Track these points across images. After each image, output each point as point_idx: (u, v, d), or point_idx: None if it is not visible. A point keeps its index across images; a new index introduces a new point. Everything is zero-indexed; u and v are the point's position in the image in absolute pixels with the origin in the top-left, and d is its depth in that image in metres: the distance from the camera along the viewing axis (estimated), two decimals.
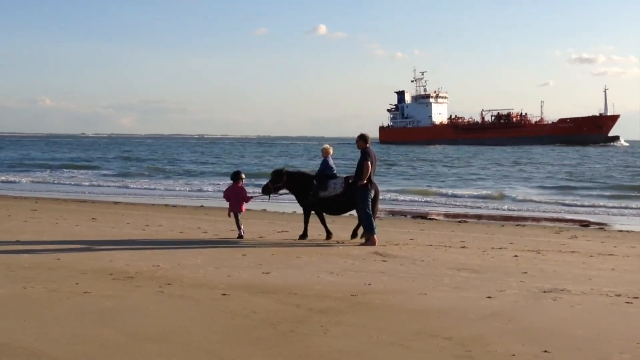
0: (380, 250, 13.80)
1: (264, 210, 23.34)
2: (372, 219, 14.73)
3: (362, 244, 14.61)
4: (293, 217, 21.34)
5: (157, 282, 10.06)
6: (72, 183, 38.22)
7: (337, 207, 15.50)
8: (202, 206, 24.76)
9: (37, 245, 13.55)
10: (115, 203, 25.41)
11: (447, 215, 24.86)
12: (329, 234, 15.44)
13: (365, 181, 14.61)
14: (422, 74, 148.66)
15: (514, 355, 6.90)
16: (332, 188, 15.30)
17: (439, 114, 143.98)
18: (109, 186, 36.80)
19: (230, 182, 16.23)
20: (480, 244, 15.15)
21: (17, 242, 13.83)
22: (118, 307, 8.53)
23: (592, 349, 7.14)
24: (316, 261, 12.37)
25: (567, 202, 29.46)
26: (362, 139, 15.11)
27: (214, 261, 12.09)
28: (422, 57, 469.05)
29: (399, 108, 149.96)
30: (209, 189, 34.72)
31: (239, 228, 15.40)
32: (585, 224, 21.62)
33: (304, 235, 15.42)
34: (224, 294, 9.36)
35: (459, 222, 21.69)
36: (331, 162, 15.68)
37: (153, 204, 25.05)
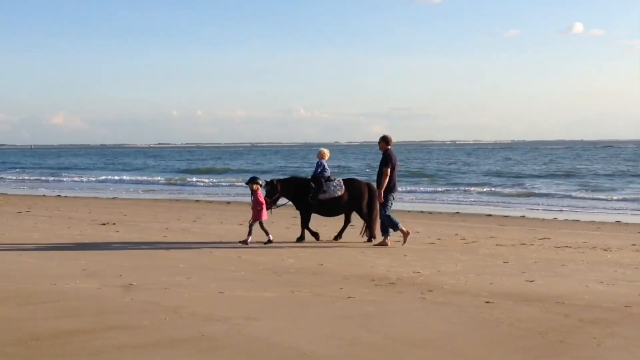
0: None
1: (523, 216, 22.76)
2: (394, 220, 14.70)
3: (375, 245, 14.78)
4: (555, 223, 20.58)
5: (418, 289, 10.02)
6: None
7: (335, 209, 15.56)
8: (458, 213, 24.53)
9: (300, 251, 14.04)
10: None
11: None
12: (315, 235, 15.60)
13: (383, 191, 14.57)
14: None
15: None
16: (332, 190, 15.28)
17: None
18: None
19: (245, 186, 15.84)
20: None
21: (281, 248, 14.41)
22: (381, 312, 8.58)
23: None
24: (583, 269, 11.77)
25: None
26: (384, 140, 14.91)
27: (474, 268, 11.87)
28: None
29: None
30: (463, 198, 34.40)
31: (250, 234, 14.86)
32: None
33: (301, 238, 15.53)
34: (488, 302, 9.12)
35: None
36: (326, 164, 15.60)
37: (409, 211, 25.17)
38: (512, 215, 23.32)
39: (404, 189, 38.72)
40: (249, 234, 14.84)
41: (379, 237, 15.05)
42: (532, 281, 10.64)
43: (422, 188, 39.16)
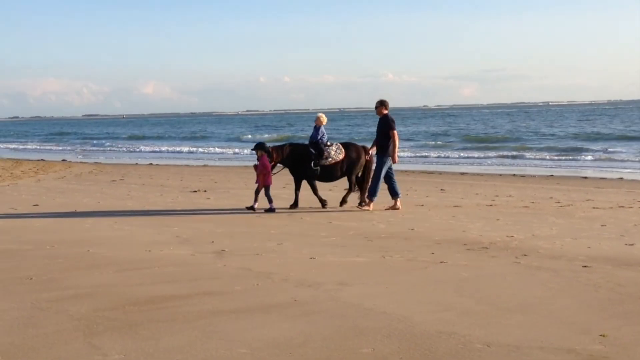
0: None
1: (620, 178, 22.10)
2: (378, 187, 14.64)
3: (358, 207, 14.86)
4: None
5: (513, 253, 9.82)
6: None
7: (334, 174, 15.30)
8: (552, 176, 23.98)
9: (391, 216, 13.95)
10: (462, 174, 25.48)
11: None
12: (324, 203, 15.29)
13: (388, 154, 14.64)
14: None
15: None
16: (333, 155, 15.04)
17: None
18: (457, 157, 37.03)
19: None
20: None
21: (371, 213, 14.35)
22: (475, 277, 8.42)
23: None
24: None
25: None
26: (383, 104, 14.81)
27: (570, 232, 11.56)
28: None
29: None
30: (549, 162, 33.65)
31: (257, 202, 14.82)
32: None
33: (295, 205, 15.18)
34: (585, 266, 8.85)
35: None
36: (324, 130, 15.36)
37: (500, 174, 24.76)
38: (609, 178, 22.67)
39: (494, 153, 38.14)
40: (255, 200, 14.88)
41: (396, 201, 14.91)
42: (632, 245, 10.29)
43: (509, 153, 38.37)
